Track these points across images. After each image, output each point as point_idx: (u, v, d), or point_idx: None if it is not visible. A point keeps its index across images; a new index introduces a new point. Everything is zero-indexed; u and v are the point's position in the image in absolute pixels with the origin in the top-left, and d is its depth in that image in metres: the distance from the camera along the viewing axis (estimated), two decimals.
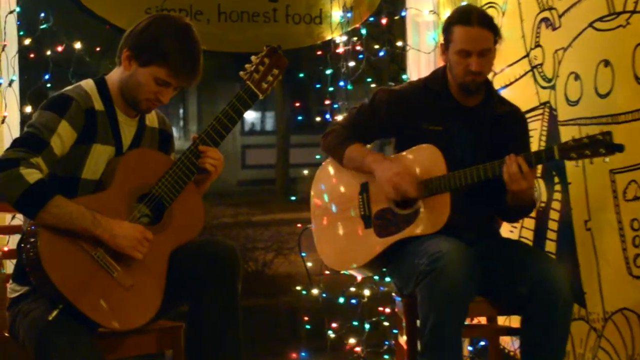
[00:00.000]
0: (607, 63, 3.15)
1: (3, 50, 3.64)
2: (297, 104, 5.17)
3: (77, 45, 3.88)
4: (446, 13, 4.01)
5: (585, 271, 3.31)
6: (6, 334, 2.68)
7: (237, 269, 2.65)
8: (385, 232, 3.10)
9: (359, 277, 3.86)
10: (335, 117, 4.04)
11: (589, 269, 3.28)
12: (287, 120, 13.13)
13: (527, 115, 3.44)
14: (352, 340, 4.12)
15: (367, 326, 4.09)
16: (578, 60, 3.33)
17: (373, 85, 4.13)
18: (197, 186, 2.77)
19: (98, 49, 3.95)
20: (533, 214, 3.46)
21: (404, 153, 3.14)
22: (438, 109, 3.12)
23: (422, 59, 4.15)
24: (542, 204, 3.53)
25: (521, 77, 3.68)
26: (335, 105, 4.15)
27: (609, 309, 3.20)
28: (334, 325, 4.14)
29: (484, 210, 3.14)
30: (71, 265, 2.49)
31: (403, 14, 4.19)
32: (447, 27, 3.07)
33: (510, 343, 3.70)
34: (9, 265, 2.93)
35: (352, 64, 4.10)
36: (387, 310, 4.11)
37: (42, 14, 3.78)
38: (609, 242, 3.17)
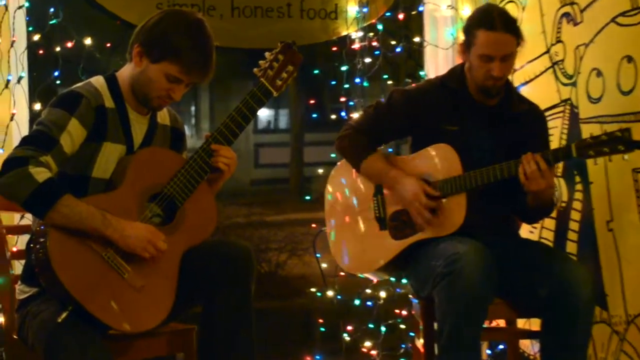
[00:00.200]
0: (630, 59, 3.12)
1: (12, 46, 3.64)
2: (312, 102, 5.17)
3: (87, 41, 3.86)
4: (465, 8, 4.02)
5: (607, 273, 3.28)
6: (15, 336, 2.67)
7: (250, 269, 2.64)
8: (401, 234, 3.08)
9: (375, 280, 3.85)
10: (351, 115, 4.03)
11: (611, 270, 3.26)
12: (301, 118, 13.11)
13: (548, 113, 3.42)
14: (367, 344, 4.11)
15: (383, 329, 4.09)
16: (600, 56, 3.30)
17: (390, 82, 4.14)
18: (210, 185, 2.75)
19: (108, 45, 3.92)
20: (553, 214, 3.44)
21: (419, 153, 3.12)
22: (456, 108, 3.11)
23: (439, 55, 4.14)
24: (563, 204, 3.51)
25: (541, 73, 3.67)
26: (351, 103, 4.13)
27: (631, 311, 3.17)
28: (349, 328, 4.13)
29: (501, 211, 3.12)
30: (81, 266, 2.47)
31: (420, 9, 4.18)
32: (469, 29, 3.04)
33: (530, 347, 3.68)
34: (18, 266, 2.92)
35: (368, 60, 4.09)
36: (404, 312, 4.10)
37: (52, 9, 3.77)
38: (632, 243, 3.14)
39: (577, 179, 3.43)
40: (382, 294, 4.09)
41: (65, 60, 3.78)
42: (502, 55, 2.97)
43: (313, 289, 4.21)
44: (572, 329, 2.83)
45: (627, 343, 3.18)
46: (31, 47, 3.73)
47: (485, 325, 3.07)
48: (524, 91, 3.57)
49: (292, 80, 2.81)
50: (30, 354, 2.58)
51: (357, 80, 4.09)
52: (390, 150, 3.81)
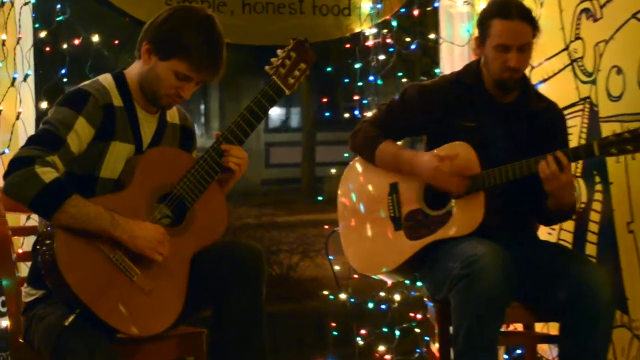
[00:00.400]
0: None
1: (18, 43, 3.63)
2: (325, 100, 5.17)
3: (95, 38, 3.86)
4: (481, 4, 4.01)
5: (627, 276, 3.26)
6: (21, 340, 2.65)
7: (261, 271, 2.63)
8: (417, 234, 3.06)
9: (389, 282, 3.83)
10: (365, 114, 4.02)
11: (631, 273, 3.24)
12: (313, 116, 13.10)
13: (567, 112, 3.41)
14: (381, 348, 4.09)
15: (397, 333, 4.09)
16: (620, 53, 3.29)
17: (404, 80, 4.13)
18: (220, 186, 2.74)
19: (116, 42, 3.91)
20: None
21: (435, 151, 3.08)
22: (472, 105, 3.08)
23: (455, 52, 4.13)
24: (582, 205, 3.50)
25: (560, 71, 3.66)
26: (365, 101, 4.12)
27: None
28: (362, 331, 4.12)
29: (520, 211, 3.09)
30: (89, 268, 2.46)
31: (436, 4, 4.18)
32: (484, 21, 3.03)
33: (548, 351, 3.65)
34: (24, 268, 2.94)
35: (382, 57, 4.08)
36: (419, 316, 4.09)
37: (59, 6, 3.76)
38: None
39: (597, 179, 3.42)
40: (397, 297, 4.08)
41: (72, 58, 3.78)
42: (519, 45, 2.95)
43: (325, 292, 4.20)
44: (591, 332, 2.81)
45: None
46: (37, 44, 3.72)
47: (503, 329, 3.03)
48: (542, 89, 3.54)
49: (304, 78, 2.80)
50: (36, 357, 2.56)
51: (371, 78, 4.08)
52: None
